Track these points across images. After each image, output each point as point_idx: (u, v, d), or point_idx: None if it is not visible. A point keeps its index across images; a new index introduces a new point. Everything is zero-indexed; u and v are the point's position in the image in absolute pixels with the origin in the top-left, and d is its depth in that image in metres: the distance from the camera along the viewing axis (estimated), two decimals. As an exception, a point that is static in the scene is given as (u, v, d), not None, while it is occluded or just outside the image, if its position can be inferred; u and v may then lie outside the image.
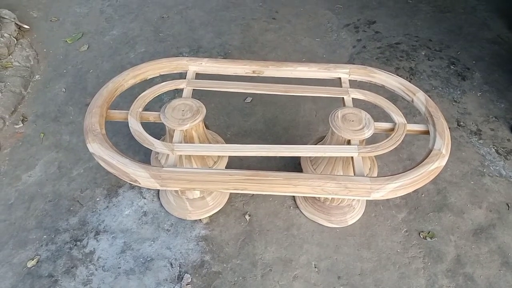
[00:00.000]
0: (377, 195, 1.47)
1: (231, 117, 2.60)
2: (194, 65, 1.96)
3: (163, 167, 1.51)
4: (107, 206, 2.08)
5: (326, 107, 2.63)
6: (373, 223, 2.05)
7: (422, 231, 2.01)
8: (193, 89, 1.87)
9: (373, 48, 3.08)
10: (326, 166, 1.84)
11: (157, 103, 2.56)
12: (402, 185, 1.48)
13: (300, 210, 2.10)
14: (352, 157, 1.61)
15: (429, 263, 1.90)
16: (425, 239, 1.98)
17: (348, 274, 1.87)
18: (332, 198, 1.96)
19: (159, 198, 2.13)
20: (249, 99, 2.73)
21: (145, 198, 2.13)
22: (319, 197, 2.03)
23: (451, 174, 2.27)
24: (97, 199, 2.11)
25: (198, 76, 1.95)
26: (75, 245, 1.93)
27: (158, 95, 1.85)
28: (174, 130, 1.66)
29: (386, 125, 1.74)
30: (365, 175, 1.53)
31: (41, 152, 2.34)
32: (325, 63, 2.00)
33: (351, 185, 1.47)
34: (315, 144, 1.99)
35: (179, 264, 1.89)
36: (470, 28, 3.25)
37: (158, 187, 1.49)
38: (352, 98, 1.85)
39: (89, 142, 1.57)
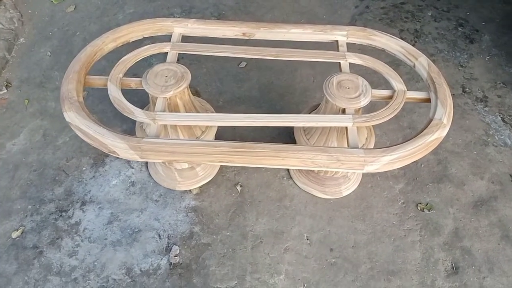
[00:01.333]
0: (371, 168, 1.38)
1: (224, 83, 2.47)
2: (180, 27, 1.82)
3: (143, 138, 1.42)
4: (94, 176, 2.01)
5: (325, 72, 2.49)
6: (369, 194, 1.98)
7: (420, 203, 1.94)
8: (180, 53, 1.74)
9: (377, 8, 2.89)
10: (320, 137, 1.74)
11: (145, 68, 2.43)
12: (398, 157, 1.39)
13: (294, 181, 2.02)
14: (346, 127, 1.51)
15: (425, 236, 1.84)
16: (423, 211, 1.91)
17: (341, 247, 1.81)
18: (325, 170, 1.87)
19: (147, 168, 2.06)
20: (243, 64, 2.59)
21: (133, 168, 2.05)
22: (313, 168, 1.94)
23: (453, 143, 2.17)
24: (83, 168, 2.04)
25: (185, 39, 1.82)
26: (61, 216, 1.87)
27: (146, 60, 1.73)
28: (157, 98, 1.56)
29: (384, 93, 1.62)
30: (360, 146, 1.44)
31: (25, 119, 2.25)
32: (322, 24, 1.85)
33: (344, 158, 1.37)
34: (309, 113, 1.88)
35: (168, 236, 1.84)
36: (482, -14, 3.03)
37: (138, 159, 1.40)
38: (349, 63, 1.72)
39: (65, 110, 1.47)
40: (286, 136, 2.18)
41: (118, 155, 1.41)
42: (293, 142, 2.10)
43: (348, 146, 1.47)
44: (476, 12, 2.83)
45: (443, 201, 1.94)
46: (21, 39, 2.72)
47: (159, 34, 1.83)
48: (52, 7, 2.95)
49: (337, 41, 1.81)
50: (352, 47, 1.77)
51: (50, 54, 2.61)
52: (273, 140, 2.18)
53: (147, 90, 1.57)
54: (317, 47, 1.80)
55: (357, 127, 1.50)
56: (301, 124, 1.54)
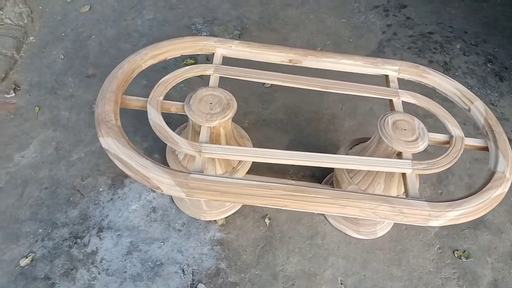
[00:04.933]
0: (436, 223, 1.28)
1: (249, 103, 2.35)
2: (223, 48, 1.69)
3: (190, 172, 1.28)
4: (112, 199, 1.85)
5: (352, 100, 2.40)
6: (403, 236, 1.88)
7: (457, 250, 1.86)
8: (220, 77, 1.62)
9: (405, 36, 2.83)
10: (365, 177, 1.64)
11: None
12: (463, 213, 1.29)
13: (325, 217, 1.91)
14: (404, 174, 1.41)
15: (463, 286, 1.75)
16: (460, 258, 1.83)
17: (377, 294, 1.71)
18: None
19: (169, 192, 1.91)
20: (268, 84, 2.47)
21: (154, 192, 1.90)
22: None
23: (486, 185, 2.10)
24: (100, 189, 1.88)
25: (225, 60, 1.69)
26: (75, 242, 1.71)
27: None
28: (201, 126, 1.43)
29: (441, 137, 1.53)
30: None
31: (36, 129, 2.07)
32: (372, 57, 1.75)
33: (407, 211, 1.27)
34: (351, 148, 1.78)
35: (192, 271, 1.69)
36: (508, 22, 3.01)
37: (183, 196, 1.27)
38: (402, 101, 1.63)
39: (102, 135, 1.32)
40: (314, 168, 2.07)
41: (162, 191, 1.27)
42: (330, 174, 2.00)
43: (407, 195, 1.37)
44: (504, 48, 2.80)
45: (481, 249, 1.87)
46: (31, 38, 2.53)
47: (199, 53, 1.70)
48: (64, 5, 2.77)
49: (387, 75, 1.72)
50: (401, 83, 1.68)
51: (63, 57, 2.43)
52: (302, 171, 2.07)
53: (190, 118, 1.44)
54: (362, 79, 1.71)
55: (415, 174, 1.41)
56: (355, 167, 1.43)
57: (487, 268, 1.81)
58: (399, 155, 1.48)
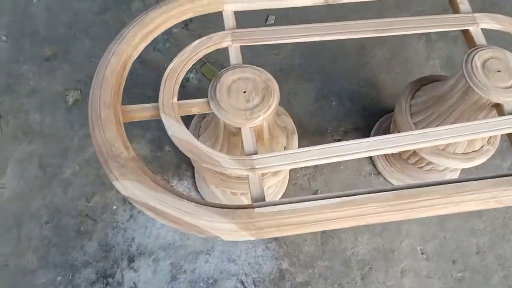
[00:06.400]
0: None
1: (255, 51, 1.89)
2: (233, 1, 1.22)
3: (253, 206, 0.93)
4: (131, 216, 1.51)
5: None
6: (475, 180, 1.63)
7: (537, 183, 1.63)
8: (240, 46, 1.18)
9: None
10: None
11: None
12: None
13: (385, 178, 1.63)
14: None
15: (553, 224, 1.56)
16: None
17: (463, 255, 1.50)
18: (430, 161, 1.48)
19: (197, 190, 1.58)
20: (271, 19, 2.00)
21: (179, 195, 1.56)
22: (410, 159, 1.55)
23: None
24: (114, 207, 1.52)
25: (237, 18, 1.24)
26: (107, 283, 1.40)
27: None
28: (240, 128, 1.04)
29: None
30: None
31: (5, 147, 1.62)
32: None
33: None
34: (413, 97, 1.42)
35: (253, 281, 1.44)
36: None
37: (250, 239, 0.93)
38: (481, 29, 1.24)
39: (116, 178, 0.93)
40: (356, 119, 1.73)
41: (221, 238, 0.93)
42: (368, 123, 1.66)
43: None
44: None
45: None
46: (-45, 20, 1.92)
47: (201, 13, 1.22)
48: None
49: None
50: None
51: (6, 39, 1.87)
52: (342, 125, 1.73)
53: (225, 120, 1.04)
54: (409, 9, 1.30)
55: None
56: (449, 140, 1.09)
57: None
58: (496, 106, 1.15)
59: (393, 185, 1.62)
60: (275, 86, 1.08)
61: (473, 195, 0.97)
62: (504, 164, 1.67)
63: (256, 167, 0.98)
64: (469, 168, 1.36)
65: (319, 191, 1.59)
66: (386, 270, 1.47)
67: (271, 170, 1.00)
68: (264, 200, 0.95)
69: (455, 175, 1.63)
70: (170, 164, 1.60)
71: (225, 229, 0.90)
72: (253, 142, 1.03)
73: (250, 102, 1.05)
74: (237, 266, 1.46)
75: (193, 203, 0.91)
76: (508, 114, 1.10)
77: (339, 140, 1.70)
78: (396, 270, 1.47)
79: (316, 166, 1.63)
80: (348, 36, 1.22)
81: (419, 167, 1.54)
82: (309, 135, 1.70)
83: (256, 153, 1.01)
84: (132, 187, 0.92)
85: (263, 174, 1.13)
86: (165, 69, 1.08)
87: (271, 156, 1.01)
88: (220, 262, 1.46)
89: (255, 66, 1.10)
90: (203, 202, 0.92)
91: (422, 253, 1.50)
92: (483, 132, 1.06)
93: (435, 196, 0.96)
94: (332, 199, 0.96)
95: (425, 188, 0.97)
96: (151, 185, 0.93)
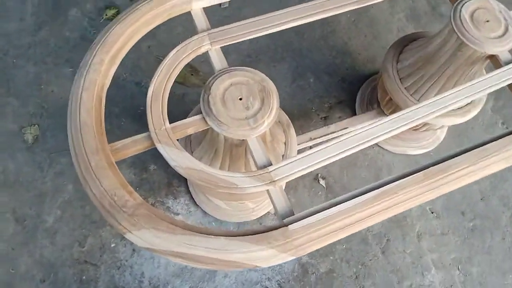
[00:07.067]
0: None
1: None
2: (199, -1, 1.09)
3: (286, 225, 0.85)
4: (134, 250, 1.39)
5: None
6: (463, 128, 1.65)
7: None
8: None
9: None
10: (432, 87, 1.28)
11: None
12: None
13: (380, 146, 1.61)
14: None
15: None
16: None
17: (470, 205, 1.53)
18: (425, 123, 1.46)
19: (196, 205, 1.48)
20: (225, 3, 1.86)
21: (178, 214, 1.45)
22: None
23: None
24: (112, 245, 1.39)
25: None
26: (128, 328, 1.30)
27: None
28: (245, 139, 0.95)
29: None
30: None
31: (-31, 207, 1.43)
32: None
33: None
34: (398, 60, 1.37)
35: (278, 283, 1.39)
36: None
37: (291, 259, 0.87)
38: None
39: (129, 231, 0.82)
40: (337, 92, 1.68)
41: (261, 267, 0.86)
42: (351, 95, 1.62)
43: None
44: None
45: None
46: None
47: (168, 18, 1.09)
48: None
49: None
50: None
51: None
52: (326, 102, 1.67)
53: (227, 135, 0.94)
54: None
55: None
56: (457, 104, 1.05)
57: (556, 124, 1.67)
58: (490, 58, 1.13)
59: (391, 152, 1.61)
60: (271, 85, 1.00)
61: (498, 156, 0.95)
62: (487, 106, 1.69)
63: (275, 179, 0.90)
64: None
65: (319, 175, 1.54)
66: (403, 238, 1.46)
67: (291, 178, 0.93)
68: (293, 214, 0.88)
69: (443, 133, 1.63)
70: (160, 184, 1.48)
71: (263, 257, 0.82)
72: (264, 153, 0.94)
73: (250, 109, 0.95)
74: (258, 273, 1.40)
75: (222, 237, 0.82)
76: (506, 64, 1.07)
77: (325, 118, 1.65)
78: (412, 235, 1.47)
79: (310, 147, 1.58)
80: (331, 13, 1.13)
81: (414, 129, 1.52)
82: (295, 118, 1.63)
83: (270, 164, 0.92)
84: (149, 236, 0.82)
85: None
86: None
87: (287, 164, 0.93)
88: (239, 274, 1.39)
89: (243, 67, 1.01)
90: (231, 233, 0.84)
91: (432, 212, 1.51)
92: (488, 88, 1.03)
93: (463, 166, 0.94)
94: (363, 195, 0.91)
95: (451, 160, 0.94)
96: (170, 228, 0.82)
